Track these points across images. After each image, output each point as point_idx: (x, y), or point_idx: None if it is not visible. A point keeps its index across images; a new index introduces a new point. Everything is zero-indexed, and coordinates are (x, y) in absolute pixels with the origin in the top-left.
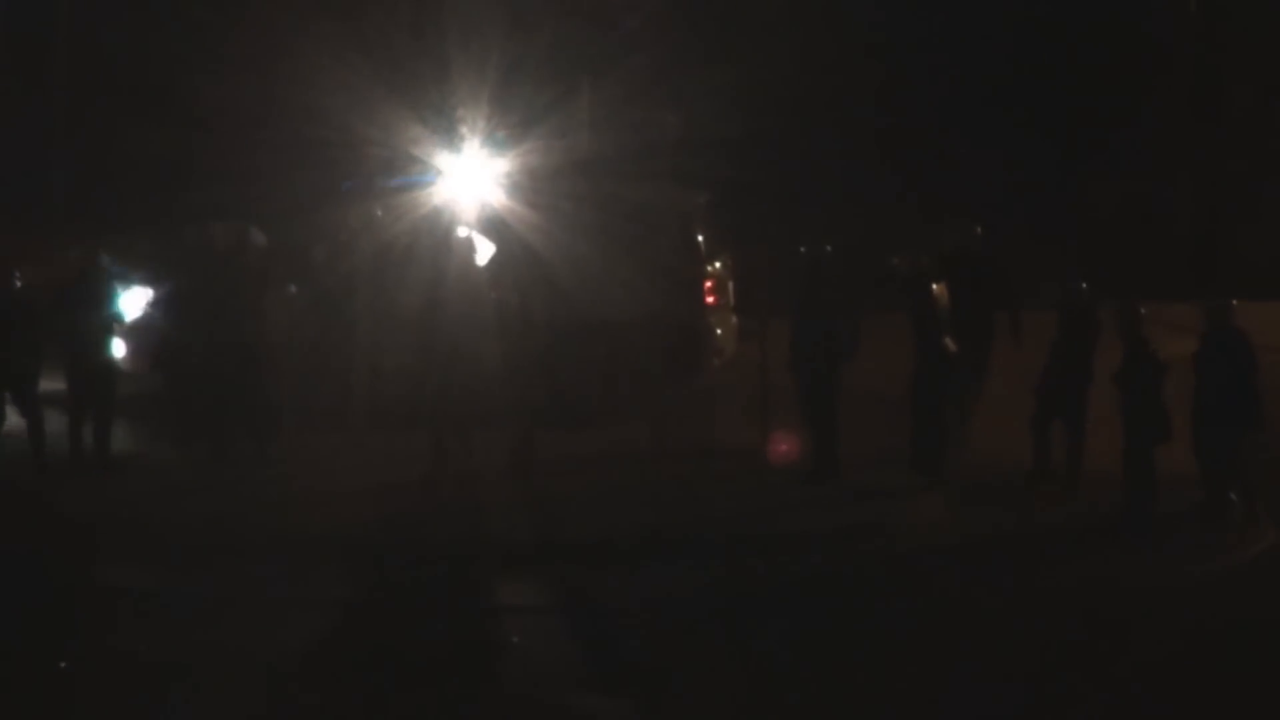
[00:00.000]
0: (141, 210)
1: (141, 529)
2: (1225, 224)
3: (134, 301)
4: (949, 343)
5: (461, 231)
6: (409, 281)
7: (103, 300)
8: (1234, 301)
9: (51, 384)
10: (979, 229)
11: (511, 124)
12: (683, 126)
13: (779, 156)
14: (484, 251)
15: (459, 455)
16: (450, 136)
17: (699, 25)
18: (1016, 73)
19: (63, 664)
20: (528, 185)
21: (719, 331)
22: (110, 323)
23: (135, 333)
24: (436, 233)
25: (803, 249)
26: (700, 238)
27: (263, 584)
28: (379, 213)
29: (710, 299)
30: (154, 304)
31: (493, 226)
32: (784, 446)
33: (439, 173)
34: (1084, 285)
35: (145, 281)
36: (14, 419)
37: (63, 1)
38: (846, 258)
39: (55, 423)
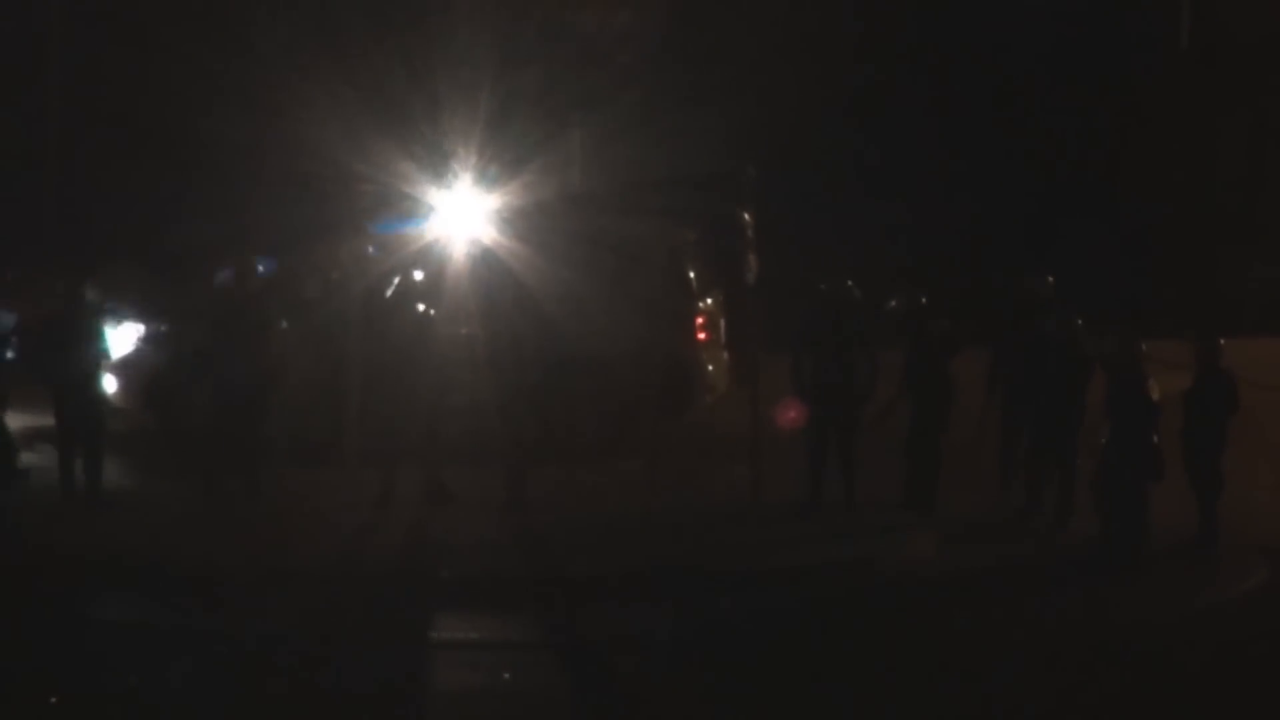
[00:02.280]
0: (133, 244)
1: (133, 563)
2: (1221, 259)
3: (124, 337)
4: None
5: (416, 275)
6: (394, 320)
7: (89, 335)
8: (1222, 340)
9: (42, 419)
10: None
11: (503, 160)
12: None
13: (771, 193)
14: (431, 294)
15: (438, 489)
16: (442, 173)
17: (690, 62)
18: (1010, 109)
19: (54, 699)
20: (519, 221)
21: (710, 368)
22: (98, 358)
23: (127, 368)
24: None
25: (822, 286)
26: (691, 274)
27: (254, 618)
28: (371, 250)
29: (702, 335)
30: (147, 339)
31: (484, 262)
32: (790, 413)
33: (430, 211)
34: (1078, 320)
35: (136, 317)
36: None
37: (55, 35)
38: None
39: (46, 457)
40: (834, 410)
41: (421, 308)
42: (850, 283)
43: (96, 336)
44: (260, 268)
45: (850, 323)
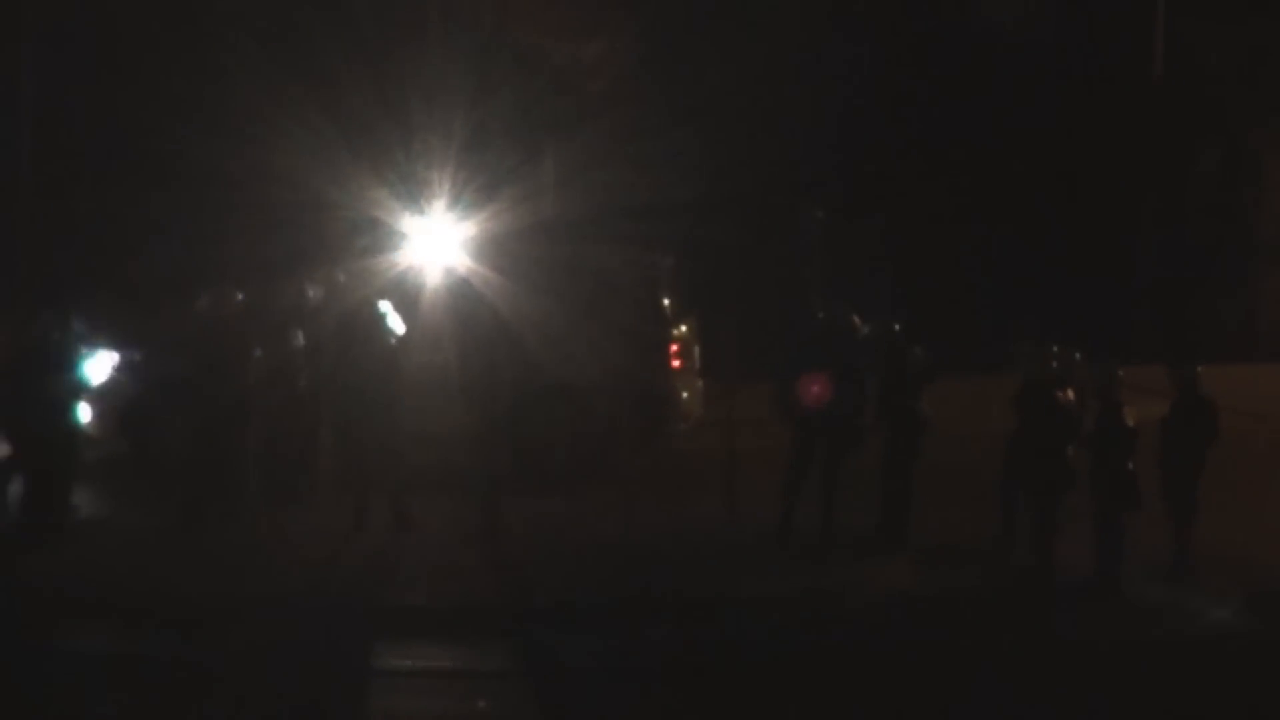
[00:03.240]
0: (106, 271)
1: (100, 594)
2: (1193, 286)
3: (99, 365)
4: (924, 409)
5: (381, 305)
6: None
7: (66, 365)
8: (1199, 367)
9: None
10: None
11: (477, 187)
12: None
13: (745, 218)
14: (397, 325)
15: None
16: (416, 200)
17: (664, 88)
18: (984, 135)
19: None
20: (493, 248)
21: (685, 395)
22: (75, 388)
23: (101, 397)
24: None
25: (820, 314)
26: (666, 300)
27: (225, 647)
28: (341, 278)
29: (676, 362)
30: (121, 367)
31: (458, 289)
32: (814, 388)
33: (404, 238)
34: (1054, 349)
35: (110, 345)
36: None
37: (30, 62)
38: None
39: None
40: (821, 438)
41: (394, 334)
42: (852, 313)
43: (73, 366)
44: (239, 295)
45: (843, 351)
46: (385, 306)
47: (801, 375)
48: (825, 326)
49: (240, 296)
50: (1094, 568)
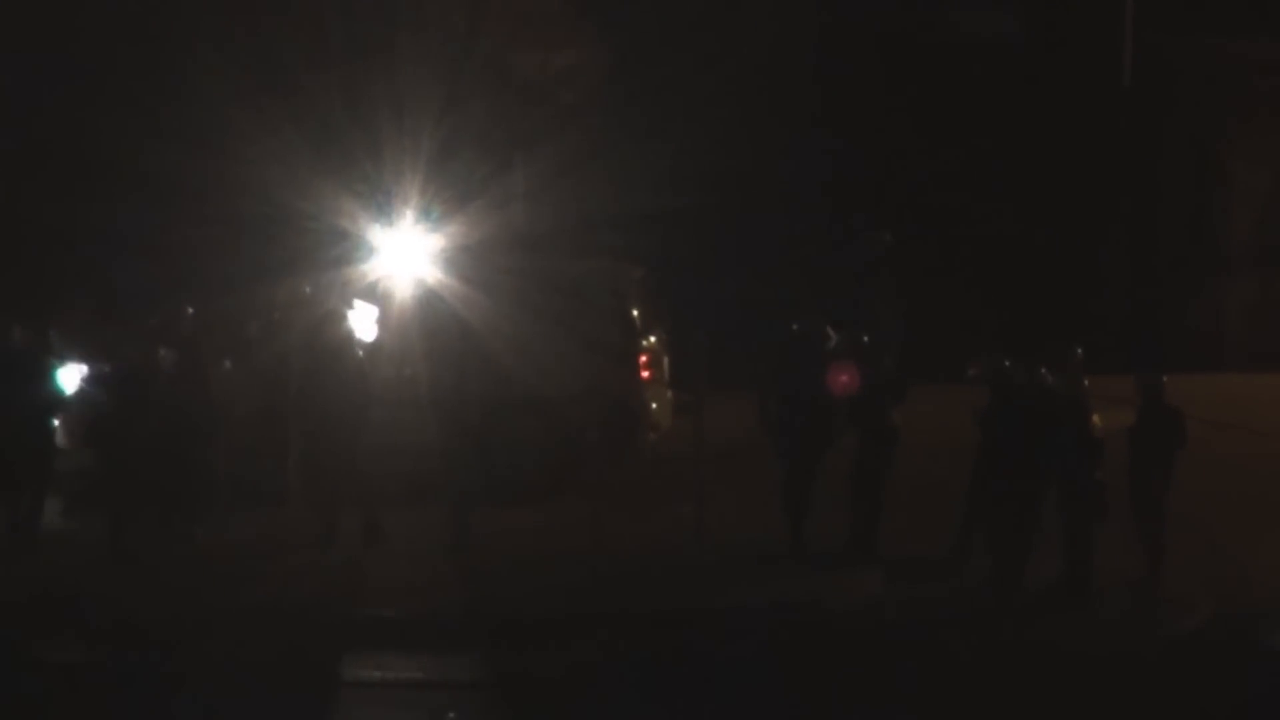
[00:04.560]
0: (75, 283)
1: (67, 606)
2: (1161, 295)
3: (69, 377)
4: (894, 420)
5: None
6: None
7: (40, 375)
8: (1165, 378)
9: None
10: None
11: (446, 199)
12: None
13: (715, 230)
14: (361, 320)
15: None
16: (385, 211)
17: (634, 99)
18: (950, 143)
19: None
20: (463, 259)
21: (654, 406)
22: (50, 399)
23: (70, 408)
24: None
25: (795, 326)
26: (635, 312)
27: (196, 659)
28: (308, 289)
29: (645, 374)
30: (89, 380)
31: (427, 301)
32: (843, 378)
33: (373, 250)
34: (1022, 363)
35: (79, 357)
36: None
37: None
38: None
39: None
40: (795, 450)
41: (362, 346)
42: (827, 325)
43: (48, 377)
44: (190, 310)
45: (816, 361)
46: (353, 306)
47: (831, 368)
48: (799, 338)
49: (190, 311)
50: (1063, 578)
